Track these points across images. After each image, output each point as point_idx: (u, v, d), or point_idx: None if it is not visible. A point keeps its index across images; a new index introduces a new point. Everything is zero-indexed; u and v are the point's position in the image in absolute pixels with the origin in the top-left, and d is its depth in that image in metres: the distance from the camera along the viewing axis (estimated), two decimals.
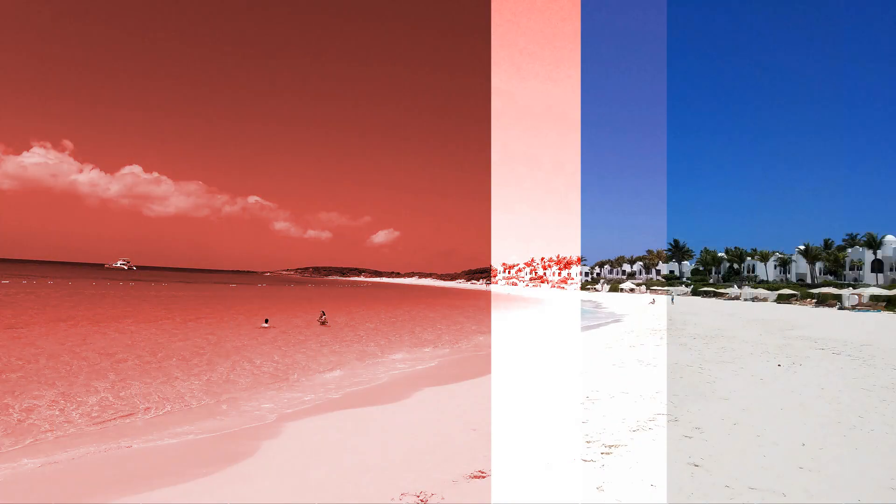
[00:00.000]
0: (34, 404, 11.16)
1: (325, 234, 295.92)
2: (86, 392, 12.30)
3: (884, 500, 5.78)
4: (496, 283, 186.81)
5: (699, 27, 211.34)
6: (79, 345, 19.45)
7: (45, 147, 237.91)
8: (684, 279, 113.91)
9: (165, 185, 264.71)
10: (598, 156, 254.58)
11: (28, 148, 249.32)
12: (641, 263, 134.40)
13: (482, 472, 6.80)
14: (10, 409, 10.72)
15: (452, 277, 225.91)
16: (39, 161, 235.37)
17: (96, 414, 10.72)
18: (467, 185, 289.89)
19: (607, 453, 7.31)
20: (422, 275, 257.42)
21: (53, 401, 11.45)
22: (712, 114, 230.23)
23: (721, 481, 6.22)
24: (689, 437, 8.00)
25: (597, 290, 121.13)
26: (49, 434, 9.43)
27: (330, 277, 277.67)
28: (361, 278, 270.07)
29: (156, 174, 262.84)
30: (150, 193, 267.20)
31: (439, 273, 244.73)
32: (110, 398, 11.90)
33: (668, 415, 9.44)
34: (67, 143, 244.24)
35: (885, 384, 12.38)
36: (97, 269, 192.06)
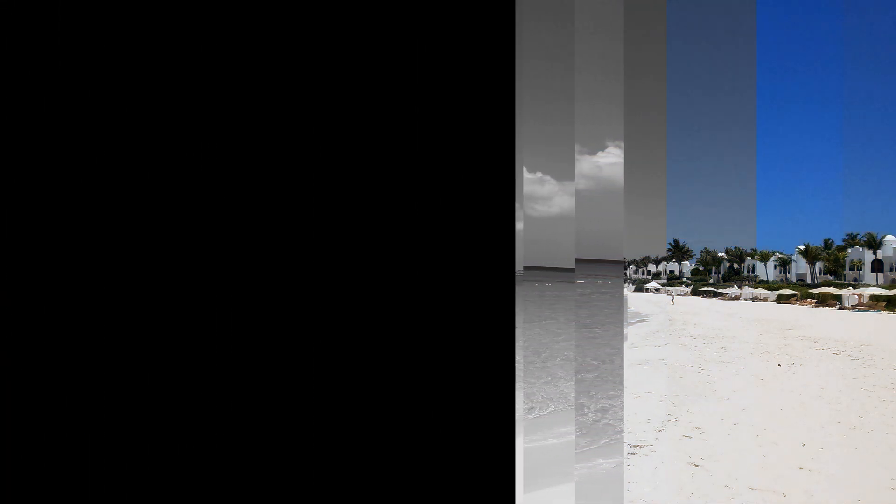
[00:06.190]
0: None
1: None
2: None
3: (884, 500, 5.78)
4: None
5: (699, 25, 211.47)
6: None
7: None
8: (684, 279, 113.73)
9: None
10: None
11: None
12: (665, 263, 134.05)
13: None
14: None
15: None
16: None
17: None
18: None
19: None
20: None
21: None
22: (712, 112, 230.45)
23: (721, 481, 6.22)
24: (689, 437, 8.00)
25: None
26: None
27: None
28: None
29: None
30: None
31: None
32: None
33: (667, 415, 9.44)
34: None
35: (885, 384, 12.37)
36: None
